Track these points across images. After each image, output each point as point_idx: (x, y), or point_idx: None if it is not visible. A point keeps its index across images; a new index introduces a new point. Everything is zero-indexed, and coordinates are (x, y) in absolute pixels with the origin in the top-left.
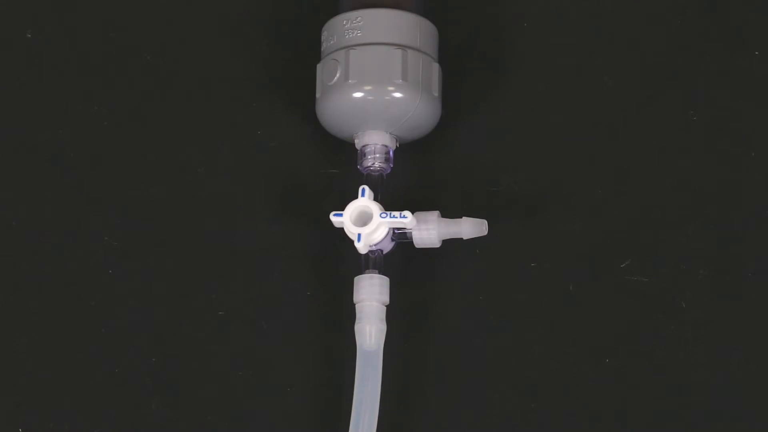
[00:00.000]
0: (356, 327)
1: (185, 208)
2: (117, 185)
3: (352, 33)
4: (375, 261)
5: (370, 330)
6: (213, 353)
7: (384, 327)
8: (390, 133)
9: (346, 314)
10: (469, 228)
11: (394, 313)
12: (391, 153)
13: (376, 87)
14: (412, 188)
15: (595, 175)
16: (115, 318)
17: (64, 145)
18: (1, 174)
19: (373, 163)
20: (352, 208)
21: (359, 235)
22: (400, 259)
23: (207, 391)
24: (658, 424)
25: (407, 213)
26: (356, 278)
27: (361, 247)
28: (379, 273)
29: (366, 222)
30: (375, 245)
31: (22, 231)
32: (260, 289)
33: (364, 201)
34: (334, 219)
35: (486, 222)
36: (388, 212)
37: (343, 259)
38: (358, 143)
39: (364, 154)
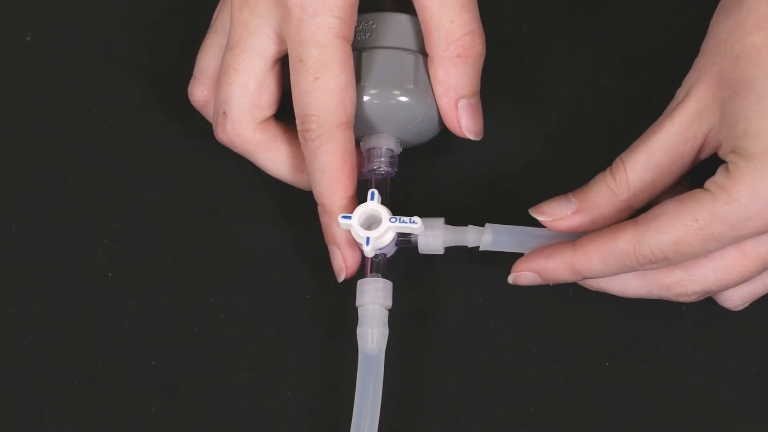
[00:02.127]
0: (358, 330)
1: (185, 211)
2: (116, 188)
3: (365, 35)
4: (378, 265)
5: (372, 333)
6: (212, 356)
7: (386, 331)
8: (396, 138)
9: (344, 317)
10: (474, 236)
11: (393, 317)
12: (396, 157)
13: (388, 91)
14: (412, 192)
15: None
16: (114, 321)
17: (64, 149)
18: (0, 177)
19: (379, 167)
20: (361, 211)
21: (368, 238)
22: (399, 262)
23: (206, 394)
24: (658, 427)
25: (417, 219)
26: (360, 282)
27: (369, 251)
28: (382, 277)
29: (373, 226)
30: (380, 249)
31: (21, 234)
32: (259, 292)
33: (373, 205)
34: (342, 222)
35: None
36: (398, 217)
37: None
38: (364, 146)
39: (369, 158)
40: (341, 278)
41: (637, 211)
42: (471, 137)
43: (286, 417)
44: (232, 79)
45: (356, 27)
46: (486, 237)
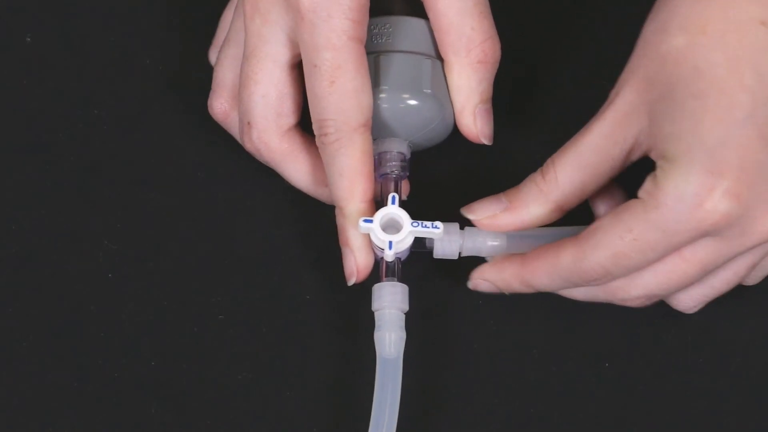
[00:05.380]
0: (376, 335)
1: (185, 211)
2: (116, 189)
3: (381, 39)
4: (394, 269)
5: (390, 337)
6: (212, 357)
7: (404, 335)
8: (407, 141)
9: (345, 318)
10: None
11: None
12: (407, 161)
13: (406, 95)
14: (411, 192)
15: None
16: (114, 322)
17: (64, 149)
18: (0, 178)
19: (392, 171)
20: (382, 215)
21: (390, 242)
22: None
23: (206, 395)
24: (659, 427)
25: (439, 223)
26: (376, 286)
27: (390, 255)
28: (398, 281)
29: (390, 230)
30: (397, 253)
31: (21, 235)
32: (260, 292)
33: (395, 209)
34: (363, 225)
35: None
36: (419, 222)
37: (341, 263)
38: (376, 149)
39: (381, 161)
40: (351, 281)
41: (567, 213)
42: (485, 142)
43: (286, 417)
44: (252, 90)
45: (373, 30)
46: (501, 243)
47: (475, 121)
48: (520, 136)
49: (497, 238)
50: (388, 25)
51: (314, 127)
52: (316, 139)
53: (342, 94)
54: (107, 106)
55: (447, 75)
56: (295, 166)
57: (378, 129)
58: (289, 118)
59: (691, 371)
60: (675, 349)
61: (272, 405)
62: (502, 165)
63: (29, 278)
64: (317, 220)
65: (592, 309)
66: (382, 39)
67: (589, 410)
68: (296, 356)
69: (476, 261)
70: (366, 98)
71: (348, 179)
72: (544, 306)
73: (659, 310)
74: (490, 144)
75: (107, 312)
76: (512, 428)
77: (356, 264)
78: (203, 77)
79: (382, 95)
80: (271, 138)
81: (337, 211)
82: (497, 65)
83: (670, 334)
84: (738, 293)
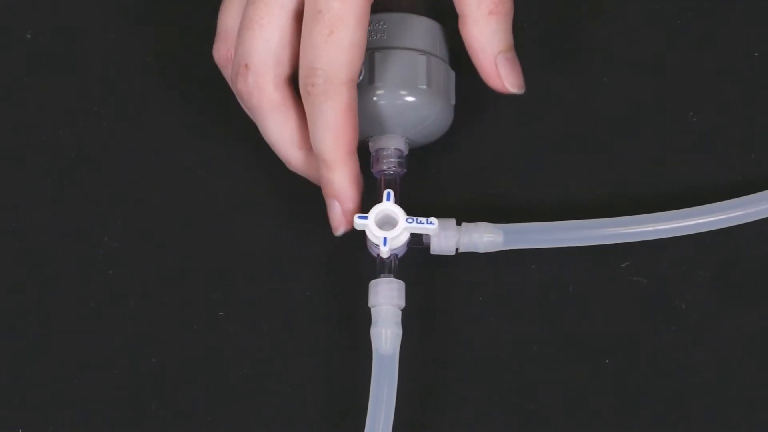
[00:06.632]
0: (372, 331)
1: (186, 208)
2: (117, 186)
3: (376, 35)
4: (390, 265)
5: (386, 333)
6: (212, 354)
7: (399, 331)
8: (405, 138)
9: (345, 314)
10: (487, 238)
11: None
12: (404, 157)
13: (402, 91)
14: (411, 191)
15: (594, 177)
16: (114, 319)
17: (64, 146)
18: (0, 175)
19: (389, 167)
20: (377, 211)
21: (385, 239)
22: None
23: (206, 392)
24: (658, 425)
25: (434, 219)
26: (373, 282)
27: (385, 252)
28: (394, 277)
29: (386, 226)
30: (393, 249)
31: (21, 232)
32: (260, 289)
33: (390, 205)
34: (358, 222)
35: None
36: (414, 218)
37: (342, 260)
38: (372, 147)
39: (378, 158)
40: (340, 232)
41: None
42: (514, 91)
43: (286, 415)
44: (256, 33)
45: (368, 27)
46: (497, 238)
47: (498, 71)
48: (518, 132)
49: (494, 234)
50: (383, 22)
51: (301, 74)
52: (300, 88)
53: (338, 45)
54: (107, 104)
55: (463, 32)
56: (280, 120)
57: (374, 125)
58: (287, 67)
59: (690, 369)
60: (675, 347)
61: (272, 402)
62: (500, 161)
63: (29, 276)
64: (317, 217)
65: (591, 307)
66: (377, 36)
67: (589, 409)
68: (296, 353)
69: (474, 257)
70: (359, 55)
71: (333, 132)
72: (544, 303)
73: (659, 308)
74: (521, 92)
75: (107, 309)
76: (512, 427)
77: (344, 213)
78: (203, 75)
79: (378, 92)
80: (266, 84)
81: (320, 164)
82: (511, 15)
83: (669, 331)
84: (738, 293)
